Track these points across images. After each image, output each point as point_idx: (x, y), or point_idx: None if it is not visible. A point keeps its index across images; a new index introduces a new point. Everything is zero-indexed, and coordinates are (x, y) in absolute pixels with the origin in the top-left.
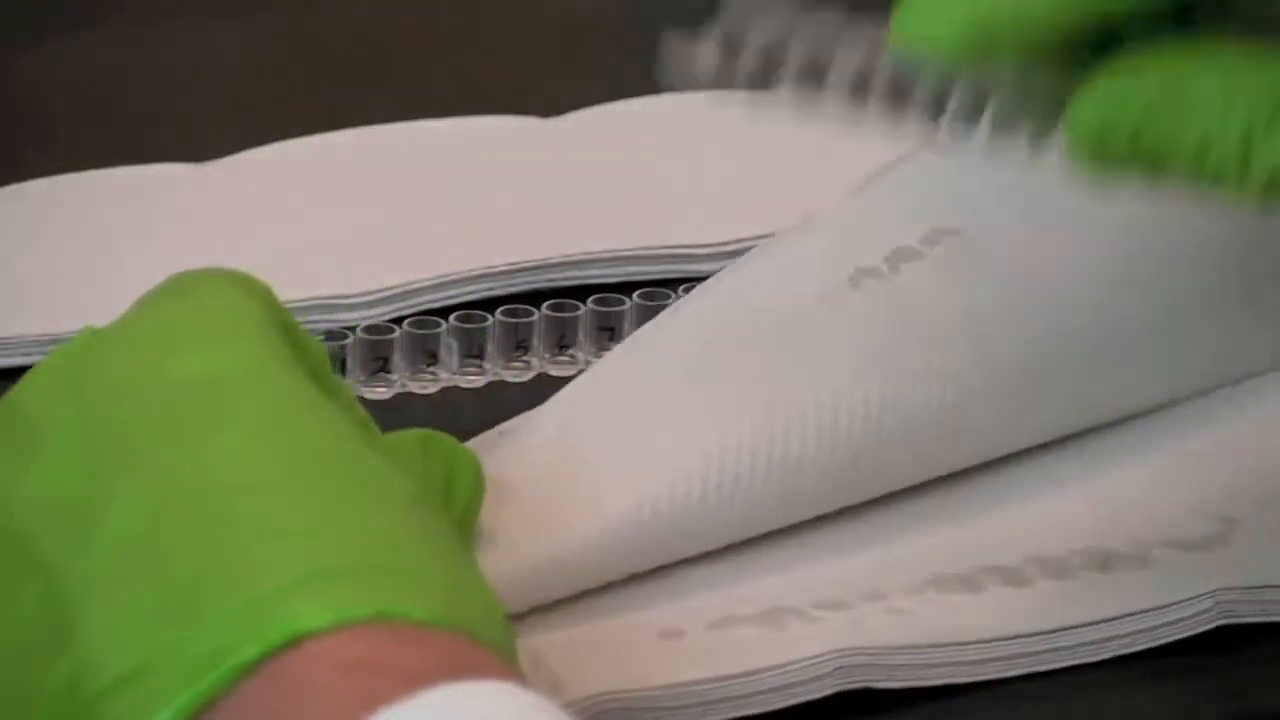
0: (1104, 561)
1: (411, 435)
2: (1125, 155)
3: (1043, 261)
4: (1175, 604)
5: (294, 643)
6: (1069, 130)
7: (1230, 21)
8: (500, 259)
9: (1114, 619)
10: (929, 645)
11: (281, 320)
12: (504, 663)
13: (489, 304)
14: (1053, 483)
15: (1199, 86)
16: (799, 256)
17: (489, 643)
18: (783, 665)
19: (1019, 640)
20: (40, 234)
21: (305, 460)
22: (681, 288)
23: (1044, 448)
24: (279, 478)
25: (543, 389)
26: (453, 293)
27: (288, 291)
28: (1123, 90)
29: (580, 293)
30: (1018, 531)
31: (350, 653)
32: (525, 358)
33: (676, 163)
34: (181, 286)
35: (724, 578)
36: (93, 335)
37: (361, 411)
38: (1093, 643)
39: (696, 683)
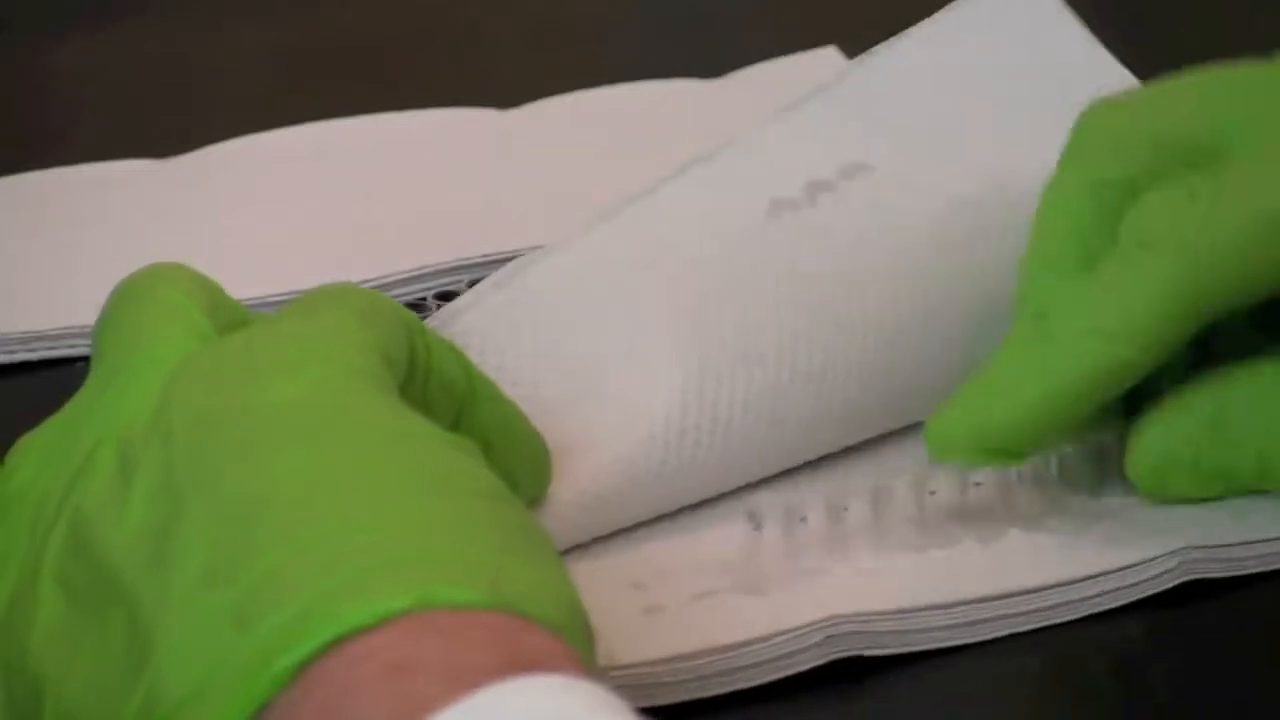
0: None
1: (499, 420)
2: (1188, 482)
3: (959, 198)
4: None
5: (335, 644)
6: (1131, 470)
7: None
8: (474, 251)
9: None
10: (913, 610)
11: (377, 339)
12: (559, 641)
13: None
14: None
15: (1244, 411)
16: (720, 181)
17: (548, 619)
18: (768, 637)
19: (1005, 600)
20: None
21: (370, 466)
22: None
23: None
24: (340, 485)
25: None
26: (430, 284)
27: (257, 287)
28: (1175, 426)
29: None
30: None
31: (392, 653)
32: None
33: (638, 151)
34: (310, 304)
35: (690, 547)
36: (187, 361)
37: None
38: (1085, 599)
39: (683, 656)
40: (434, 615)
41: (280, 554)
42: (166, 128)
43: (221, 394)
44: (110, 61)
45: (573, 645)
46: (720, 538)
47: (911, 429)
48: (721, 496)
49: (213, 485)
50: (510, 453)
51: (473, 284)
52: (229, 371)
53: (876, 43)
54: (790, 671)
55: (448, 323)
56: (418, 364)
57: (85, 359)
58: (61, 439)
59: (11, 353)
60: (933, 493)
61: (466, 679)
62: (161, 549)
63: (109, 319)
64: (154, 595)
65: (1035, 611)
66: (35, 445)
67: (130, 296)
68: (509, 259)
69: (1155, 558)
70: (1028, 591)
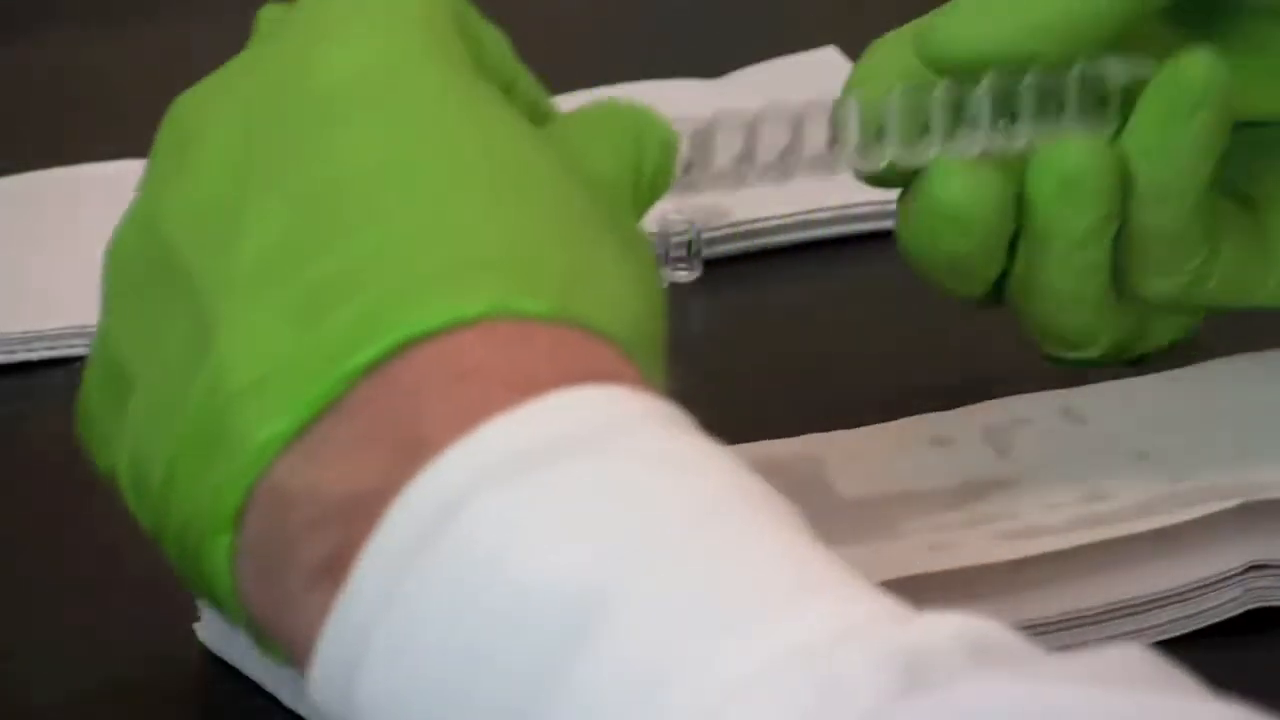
0: None
1: (595, 112)
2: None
3: None
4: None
5: (404, 348)
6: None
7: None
8: None
9: None
10: None
11: (454, 8)
12: (622, 358)
13: None
14: None
15: None
16: None
17: (614, 334)
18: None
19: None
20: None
21: (443, 156)
22: None
23: None
24: (413, 178)
25: None
26: None
27: None
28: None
29: None
30: None
31: (458, 360)
32: None
33: None
34: None
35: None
36: (256, 40)
37: (537, 94)
38: None
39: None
40: (502, 325)
41: (349, 250)
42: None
43: (285, 65)
44: (110, 61)
45: (637, 360)
46: None
47: None
48: None
49: (279, 166)
50: (605, 138)
51: None
52: (295, 38)
53: None
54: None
55: None
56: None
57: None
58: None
59: (11, 353)
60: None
61: (527, 388)
62: (224, 227)
63: None
64: (217, 278)
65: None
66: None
67: None
68: None
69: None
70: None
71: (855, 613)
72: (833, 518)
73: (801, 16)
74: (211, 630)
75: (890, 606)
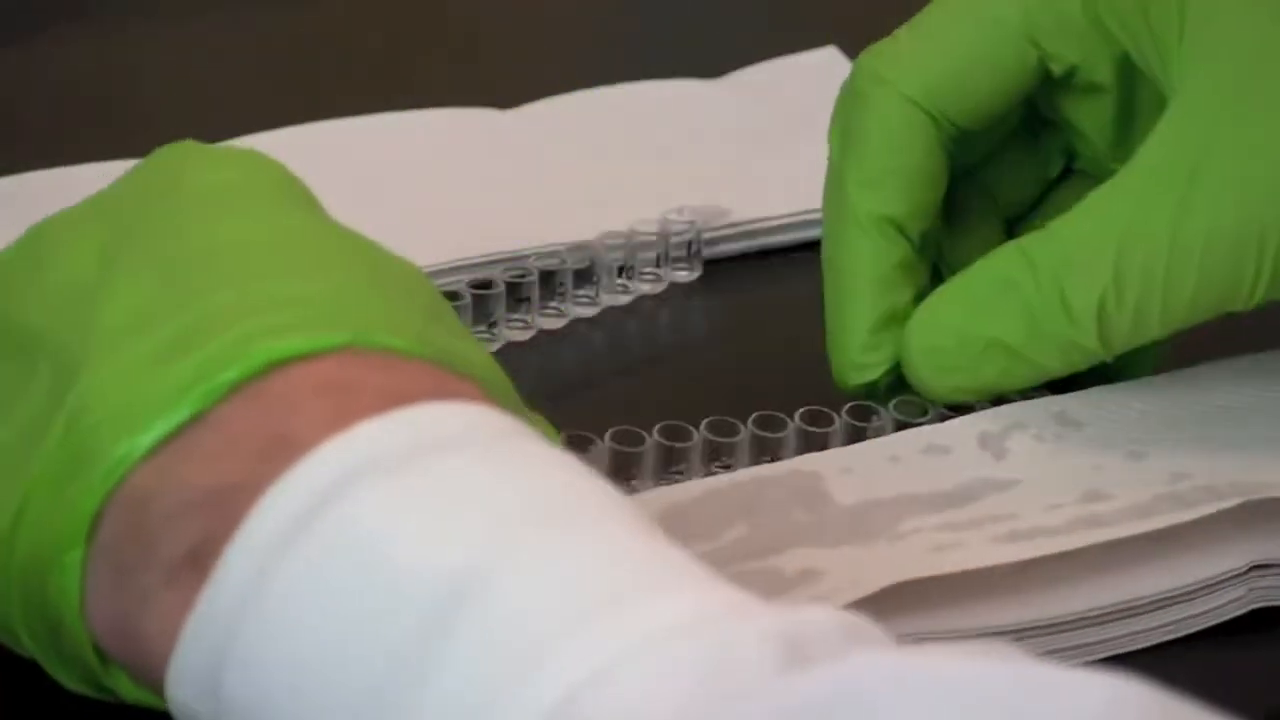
0: None
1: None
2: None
3: None
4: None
5: (271, 367)
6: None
7: None
8: (474, 251)
9: None
10: None
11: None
12: (483, 389)
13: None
14: None
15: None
16: None
17: (470, 374)
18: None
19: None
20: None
21: (301, 234)
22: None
23: None
24: (276, 247)
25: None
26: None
27: None
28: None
29: None
30: None
31: (328, 375)
32: (491, 331)
33: (638, 151)
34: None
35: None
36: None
37: None
38: None
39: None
40: (366, 352)
41: (218, 297)
42: (165, 128)
43: (154, 183)
44: (109, 61)
45: (496, 400)
46: None
47: None
48: None
49: (147, 243)
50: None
51: (473, 284)
52: (160, 172)
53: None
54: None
55: None
56: None
57: None
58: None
59: None
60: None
61: (398, 399)
62: (86, 301)
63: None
64: (81, 341)
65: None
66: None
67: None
68: (509, 259)
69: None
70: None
71: (732, 597)
72: (833, 523)
73: (801, 16)
74: None
75: (758, 597)
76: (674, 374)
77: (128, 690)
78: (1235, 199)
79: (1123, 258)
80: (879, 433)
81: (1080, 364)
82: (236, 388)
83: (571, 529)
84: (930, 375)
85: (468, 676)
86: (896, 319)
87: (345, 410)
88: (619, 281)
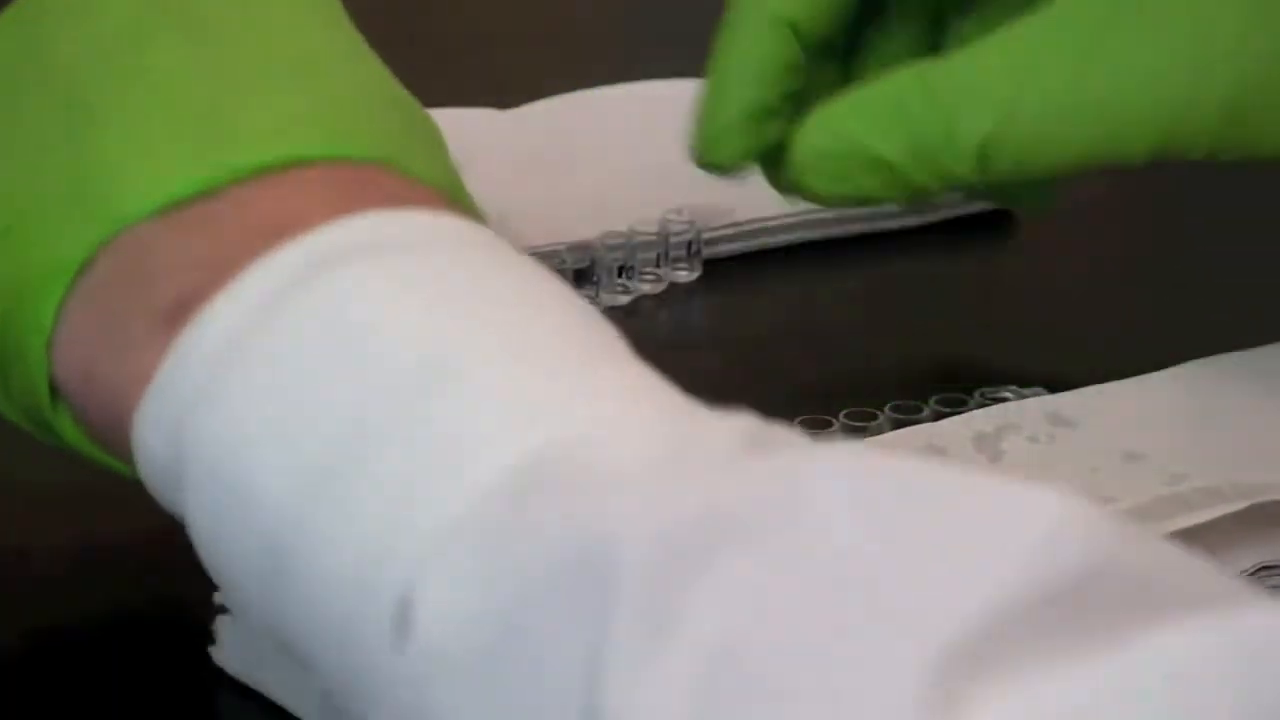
0: None
1: None
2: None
3: None
4: None
5: (291, 164)
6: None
7: None
8: None
9: None
10: None
11: None
12: (441, 193)
13: None
14: None
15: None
16: None
17: (430, 181)
18: None
19: None
20: None
21: (349, 54)
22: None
23: None
24: (319, 56)
25: None
26: None
27: None
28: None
29: None
30: None
31: (340, 175)
32: None
33: (638, 151)
34: None
35: None
36: None
37: None
38: None
39: None
40: (389, 170)
41: (255, 98)
42: None
43: None
44: None
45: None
46: None
47: None
48: None
49: (193, 25)
50: None
51: None
52: None
53: None
54: None
55: None
56: None
57: None
58: None
59: None
60: None
61: (398, 203)
62: (131, 52)
63: None
64: (112, 89)
65: None
66: None
67: None
68: None
69: None
70: None
71: (693, 404)
72: None
73: None
74: (229, 653)
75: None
76: (674, 374)
77: (68, 431)
78: (1140, 57)
79: (1018, 97)
80: (877, 434)
81: (960, 187)
82: (255, 174)
83: (546, 314)
84: (813, 176)
85: (451, 435)
86: (769, 113)
87: (351, 201)
88: (619, 281)
